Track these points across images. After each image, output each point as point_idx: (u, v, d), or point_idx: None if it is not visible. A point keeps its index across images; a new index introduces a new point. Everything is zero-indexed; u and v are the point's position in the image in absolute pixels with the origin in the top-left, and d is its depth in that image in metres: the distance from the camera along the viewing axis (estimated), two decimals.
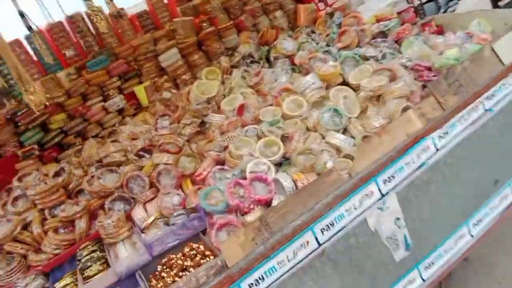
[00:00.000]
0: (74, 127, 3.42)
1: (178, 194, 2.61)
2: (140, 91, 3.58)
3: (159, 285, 2.14)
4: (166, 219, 2.54)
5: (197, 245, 2.26)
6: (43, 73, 3.51)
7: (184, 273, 2.19)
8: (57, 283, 2.36)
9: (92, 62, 3.46)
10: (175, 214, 2.50)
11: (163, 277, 2.21)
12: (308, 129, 2.67)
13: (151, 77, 3.66)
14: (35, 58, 3.51)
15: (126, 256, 2.30)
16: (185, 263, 2.22)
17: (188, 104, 3.22)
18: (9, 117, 3.27)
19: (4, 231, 2.56)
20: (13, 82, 3.22)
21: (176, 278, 2.17)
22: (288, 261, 1.86)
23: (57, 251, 2.55)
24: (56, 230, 2.62)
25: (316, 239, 1.92)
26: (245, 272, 1.79)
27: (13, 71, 2.54)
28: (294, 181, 2.26)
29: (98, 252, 2.41)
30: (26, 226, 2.69)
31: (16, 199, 2.80)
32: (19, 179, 2.92)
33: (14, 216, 2.66)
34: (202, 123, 3.09)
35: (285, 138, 2.59)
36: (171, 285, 2.03)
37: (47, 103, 2.82)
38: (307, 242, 1.90)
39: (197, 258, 2.18)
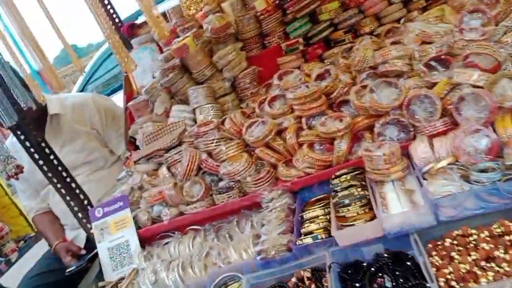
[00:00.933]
0: (347, 20, 2.78)
1: (488, 136, 1.69)
2: None
3: (445, 270, 1.42)
4: (463, 169, 1.71)
5: None
6: None
7: (489, 265, 1.40)
8: (305, 213, 1.95)
9: None
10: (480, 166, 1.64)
11: (451, 257, 1.48)
12: None
13: None
14: None
15: (400, 212, 1.64)
16: (495, 252, 1.41)
17: None
18: (278, 2, 2.88)
19: (257, 134, 2.26)
20: None
21: (476, 269, 1.40)
22: None
23: (309, 170, 2.12)
24: (311, 145, 2.16)
25: None
26: None
27: None
28: None
29: (358, 189, 1.83)
30: (280, 132, 2.34)
31: (273, 99, 2.47)
32: (279, 77, 2.55)
33: (269, 118, 2.32)
34: None
35: None
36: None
37: None
38: None
39: None
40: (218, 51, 2.91)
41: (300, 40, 2.82)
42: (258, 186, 2.18)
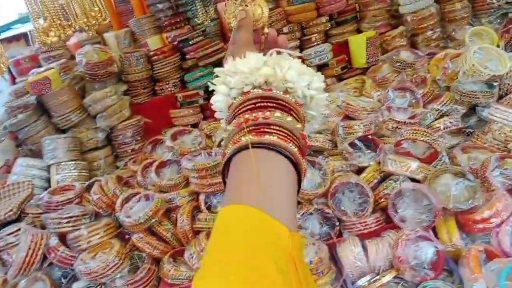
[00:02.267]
0: None
1: (435, 246, 1.40)
2: (356, 42, 2.39)
3: None
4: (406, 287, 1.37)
5: None
6: None
7: None
8: None
9: None
10: None
11: None
12: None
13: (377, 25, 2.44)
14: None
15: None
16: None
17: (450, 81, 1.93)
18: (177, 43, 2.40)
19: (138, 214, 1.67)
20: None
21: None
22: None
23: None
24: (208, 235, 1.64)
25: None
26: None
27: None
28: None
29: None
30: (169, 211, 1.78)
31: (163, 164, 1.91)
32: (173, 136, 2.01)
33: (155, 193, 1.75)
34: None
35: None
36: None
37: None
38: None
39: None
40: (93, 91, 2.27)
41: (201, 92, 2.36)
42: None
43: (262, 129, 0.57)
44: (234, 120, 0.61)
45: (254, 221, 0.48)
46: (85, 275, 1.54)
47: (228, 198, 0.54)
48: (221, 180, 1.79)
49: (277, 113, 0.59)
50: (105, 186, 1.86)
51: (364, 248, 1.50)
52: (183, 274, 1.58)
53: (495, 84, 1.83)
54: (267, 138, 0.56)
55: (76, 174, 2.10)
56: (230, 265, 0.44)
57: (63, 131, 2.25)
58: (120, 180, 1.96)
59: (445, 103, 1.85)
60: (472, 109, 1.88)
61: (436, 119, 1.83)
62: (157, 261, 1.69)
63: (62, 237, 1.71)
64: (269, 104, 0.61)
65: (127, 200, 1.80)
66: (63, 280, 1.72)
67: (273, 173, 0.54)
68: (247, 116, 0.59)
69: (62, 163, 2.08)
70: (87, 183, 2.02)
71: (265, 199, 0.50)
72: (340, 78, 2.45)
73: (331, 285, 1.43)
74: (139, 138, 2.35)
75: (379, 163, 1.71)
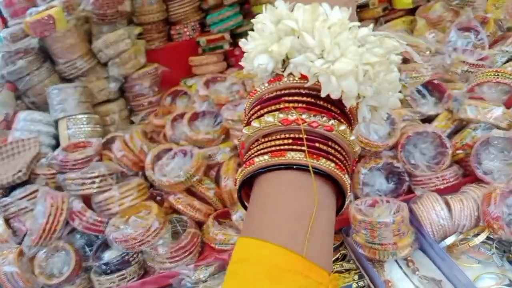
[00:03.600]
0: None
1: None
2: None
3: None
4: (498, 248, 1.22)
5: None
6: None
7: None
8: None
9: None
10: None
11: None
12: None
13: None
14: None
15: None
16: None
17: None
18: None
19: (176, 172, 1.46)
20: None
21: None
22: None
23: None
24: None
25: None
26: None
27: None
28: None
29: (355, 275, 1.19)
30: (209, 168, 1.57)
31: (195, 116, 1.68)
32: (206, 84, 1.76)
33: (195, 148, 1.54)
34: None
35: None
36: None
37: None
38: None
39: None
40: (102, 35, 1.99)
41: (227, 36, 2.09)
42: (175, 261, 1.37)
43: (317, 145, 0.41)
44: (279, 114, 0.42)
45: (290, 269, 0.37)
46: (121, 242, 1.34)
47: (253, 228, 0.41)
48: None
49: (343, 126, 0.42)
50: (130, 142, 1.63)
51: (446, 205, 1.33)
52: (233, 239, 1.39)
53: None
54: (324, 164, 0.40)
55: (89, 129, 1.85)
56: None
57: (69, 81, 1.97)
58: (145, 135, 1.73)
59: None
60: None
61: (506, 62, 1.64)
62: (199, 226, 1.50)
63: (85, 201, 1.50)
64: (332, 107, 0.43)
65: (158, 157, 1.58)
66: (87, 249, 1.52)
67: (319, 207, 0.40)
68: (304, 116, 0.41)
69: (73, 117, 1.83)
70: (103, 139, 1.79)
71: (306, 240, 0.38)
72: (377, 21, 2.22)
73: (411, 247, 1.27)
74: (156, 89, 2.09)
75: (449, 111, 1.52)
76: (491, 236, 1.25)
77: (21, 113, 1.87)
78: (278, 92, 0.44)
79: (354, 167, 0.46)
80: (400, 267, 1.26)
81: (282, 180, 0.41)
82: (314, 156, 0.40)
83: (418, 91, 1.60)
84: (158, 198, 1.58)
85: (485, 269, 1.20)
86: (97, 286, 1.37)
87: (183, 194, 1.48)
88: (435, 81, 1.61)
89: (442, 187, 1.39)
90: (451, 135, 1.48)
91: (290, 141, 0.41)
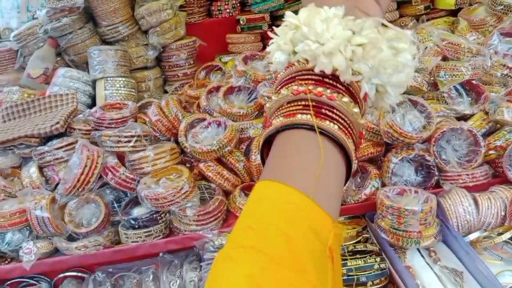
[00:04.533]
0: None
1: None
2: None
3: None
4: None
5: None
6: None
7: None
8: None
9: None
10: None
11: None
12: None
13: None
14: None
15: None
16: None
17: None
18: None
19: (209, 141, 1.50)
20: None
21: None
22: None
23: None
24: None
25: None
26: None
27: None
28: None
29: (377, 258, 1.22)
30: (240, 142, 1.60)
31: (230, 90, 1.71)
32: (244, 60, 1.79)
33: (229, 120, 1.57)
34: None
35: None
36: None
37: None
38: None
39: None
40: (146, 3, 2.03)
41: (267, 17, 2.12)
42: (201, 225, 1.41)
43: (323, 111, 0.48)
44: (294, 86, 0.50)
45: (296, 205, 0.43)
46: (152, 200, 1.38)
47: (270, 174, 0.47)
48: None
49: (346, 99, 0.49)
50: (165, 108, 1.67)
51: (474, 201, 1.35)
52: None
53: None
54: (328, 125, 0.47)
55: (125, 92, 1.89)
56: (263, 256, 0.39)
57: (110, 44, 2.02)
58: (180, 103, 1.76)
59: None
60: None
61: None
62: (225, 194, 1.53)
63: (119, 158, 1.54)
64: (338, 84, 0.49)
65: (191, 125, 1.62)
66: (115, 205, 1.57)
67: (327, 161, 0.46)
68: (311, 87, 0.49)
69: (111, 79, 1.87)
70: (139, 103, 1.83)
71: (315, 186, 0.44)
72: (419, 19, 2.23)
73: (435, 238, 1.29)
74: (192, 62, 2.13)
75: (485, 112, 1.53)
76: None
77: (60, 69, 1.93)
78: (293, 74, 0.51)
79: (361, 140, 0.51)
80: (422, 256, 1.29)
81: (295, 137, 0.48)
82: (321, 118, 0.47)
83: (456, 89, 1.61)
84: (188, 165, 1.62)
85: (506, 266, 1.22)
86: (123, 239, 1.42)
87: (213, 162, 1.52)
88: (474, 81, 1.61)
89: (471, 184, 1.41)
90: (484, 136, 1.49)
91: (301, 107, 0.48)
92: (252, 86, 1.69)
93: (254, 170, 1.53)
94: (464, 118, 1.56)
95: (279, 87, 0.53)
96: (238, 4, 2.24)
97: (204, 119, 1.62)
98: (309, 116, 0.47)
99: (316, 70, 0.49)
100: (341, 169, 0.49)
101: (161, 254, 1.45)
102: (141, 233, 1.40)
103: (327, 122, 0.47)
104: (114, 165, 1.48)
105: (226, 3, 2.21)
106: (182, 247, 1.45)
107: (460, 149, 1.47)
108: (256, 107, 1.64)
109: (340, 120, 0.48)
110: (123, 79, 1.89)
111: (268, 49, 0.55)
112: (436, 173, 1.45)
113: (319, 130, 0.47)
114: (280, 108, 0.50)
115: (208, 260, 1.36)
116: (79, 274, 1.48)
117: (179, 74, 2.10)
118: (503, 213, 1.31)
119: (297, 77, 0.51)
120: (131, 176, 1.49)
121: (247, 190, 1.55)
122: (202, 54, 2.20)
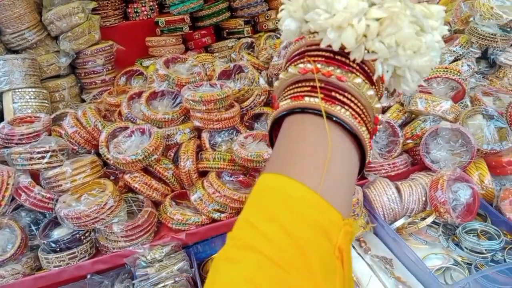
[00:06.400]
0: (250, 7, 2.17)
1: (471, 188, 1.36)
2: None
3: None
4: (443, 230, 1.31)
5: None
6: None
7: None
8: None
9: None
10: None
11: None
12: None
13: None
14: None
15: None
16: None
17: (461, 24, 1.87)
18: None
19: (133, 150, 1.42)
20: None
21: None
22: None
23: (216, 215, 1.40)
24: (218, 175, 1.46)
25: None
26: None
27: None
28: None
29: None
30: (167, 149, 1.54)
31: (153, 96, 1.64)
32: (166, 63, 1.72)
33: (154, 128, 1.50)
34: None
35: None
36: None
37: None
38: None
39: None
40: (54, 6, 1.88)
41: (187, 19, 2.06)
42: (131, 240, 1.33)
43: (333, 93, 0.43)
44: (300, 64, 0.45)
45: (301, 201, 0.39)
46: (73, 220, 1.28)
47: (274, 165, 0.43)
48: (231, 115, 1.57)
49: (358, 79, 0.43)
50: (83, 118, 1.56)
51: (396, 189, 1.41)
52: (192, 219, 1.38)
53: (509, 29, 1.80)
54: (339, 111, 0.42)
55: (36, 104, 1.74)
56: (266, 258, 0.36)
57: (16, 53, 1.85)
58: (99, 112, 1.66)
59: (462, 45, 1.79)
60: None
61: (453, 61, 1.77)
62: (155, 205, 1.46)
63: (33, 177, 1.42)
64: (351, 62, 0.44)
65: (112, 135, 1.53)
66: (33, 228, 1.43)
67: (336, 151, 0.42)
68: (319, 65, 0.43)
69: (19, 90, 1.71)
70: (53, 115, 1.70)
71: (323, 179, 0.40)
72: None
73: (364, 229, 1.33)
74: (110, 67, 2.02)
75: (400, 103, 1.62)
76: (437, 221, 1.34)
77: None
78: (302, 49, 0.46)
79: (377, 126, 0.47)
80: (353, 246, 1.32)
81: (301, 123, 0.43)
82: (330, 102, 0.42)
83: None
84: (112, 177, 1.53)
85: (432, 250, 1.29)
86: (45, 264, 1.30)
87: (139, 173, 1.44)
88: None
89: (392, 173, 1.47)
90: (401, 127, 1.56)
91: (309, 88, 0.43)
92: (176, 90, 1.63)
93: (184, 177, 1.48)
94: (382, 111, 1.63)
95: (288, 63, 0.48)
96: (156, 6, 2.17)
97: (126, 128, 1.53)
98: (318, 100, 0.42)
99: (322, 46, 0.43)
100: (353, 159, 0.44)
101: (88, 276, 1.35)
102: (64, 256, 1.29)
103: (338, 107, 0.42)
104: (28, 185, 1.36)
105: (143, 5, 2.12)
106: (112, 266, 1.36)
107: (381, 140, 1.54)
108: (181, 111, 1.58)
109: (351, 104, 0.43)
110: (33, 89, 1.74)
111: (278, 15, 0.48)
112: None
113: (328, 115, 0.42)
114: (288, 88, 0.46)
115: (140, 277, 1.29)
116: None
117: (96, 81, 1.98)
118: (424, 199, 1.38)
119: (306, 53, 0.45)
120: (48, 195, 1.37)
121: (178, 198, 1.50)
122: (121, 59, 2.10)
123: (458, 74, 1.54)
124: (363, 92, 0.43)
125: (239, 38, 2.16)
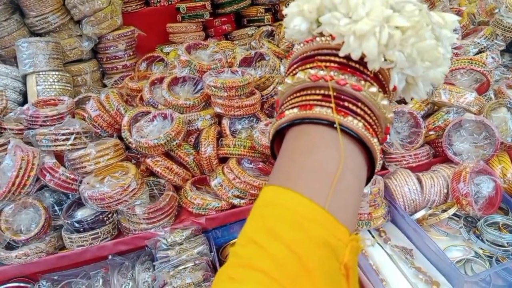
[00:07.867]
0: None
1: (494, 181, 1.34)
2: None
3: None
4: (465, 222, 1.30)
5: None
6: None
7: None
8: None
9: None
10: None
11: None
12: None
13: None
14: None
15: None
16: None
17: (486, 15, 1.83)
18: None
19: (155, 134, 1.43)
20: None
21: None
22: None
23: (236, 201, 1.41)
24: (238, 162, 1.46)
25: None
26: None
27: None
28: None
29: None
30: (188, 135, 1.55)
31: (175, 82, 1.64)
32: (188, 49, 1.72)
33: (176, 113, 1.51)
34: None
35: None
36: None
37: None
38: None
39: None
40: None
41: (208, 5, 2.06)
42: (152, 223, 1.35)
43: (346, 104, 0.40)
44: (311, 70, 0.42)
45: (307, 217, 0.37)
46: (97, 201, 1.29)
47: (280, 178, 0.41)
48: (251, 102, 1.56)
49: (374, 88, 0.41)
50: (106, 102, 1.58)
51: (418, 180, 1.40)
52: (212, 204, 1.39)
53: None
54: (351, 122, 0.40)
55: (59, 87, 1.76)
56: (270, 279, 0.34)
57: (41, 35, 1.87)
58: (121, 97, 1.67)
59: (486, 37, 1.76)
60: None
61: (477, 53, 1.74)
62: (175, 189, 1.48)
63: (57, 158, 1.44)
64: (365, 70, 0.41)
65: (134, 119, 1.54)
66: (56, 208, 1.46)
67: (346, 166, 0.40)
68: (333, 73, 0.41)
69: (43, 73, 1.73)
70: (76, 98, 1.71)
71: (330, 195, 0.38)
72: None
73: (384, 219, 1.33)
74: (131, 53, 2.03)
75: None
76: (458, 213, 1.33)
77: None
78: (312, 52, 0.43)
79: (387, 136, 0.45)
80: (373, 236, 1.32)
81: (311, 135, 0.41)
82: (342, 113, 0.40)
83: None
84: (133, 161, 1.54)
85: (452, 241, 1.28)
86: (68, 243, 1.33)
87: (161, 157, 1.45)
88: None
89: (414, 165, 1.46)
90: (423, 118, 1.55)
91: (320, 97, 0.41)
92: (197, 77, 1.63)
93: (205, 163, 1.48)
94: (404, 101, 1.62)
95: (294, 66, 0.44)
96: None
97: (148, 112, 1.54)
98: (329, 111, 0.40)
99: (341, 54, 0.41)
100: (362, 172, 0.42)
101: (110, 257, 1.37)
102: (87, 236, 1.31)
103: (350, 118, 0.40)
104: (52, 166, 1.38)
105: None
106: (133, 248, 1.39)
107: (402, 131, 1.52)
108: (203, 97, 1.59)
109: (365, 116, 0.41)
110: (57, 73, 1.75)
111: (285, 11, 0.45)
112: (381, 156, 1.49)
113: (340, 127, 0.39)
114: (295, 95, 0.43)
115: (161, 259, 1.31)
116: (21, 284, 1.36)
117: (118, 66, 1.99)
118: (445, 191, 1.37)
119: (317, 57, 0.43)
120: (72, 176, 1.39)
121: (198, 184, 1.51)
122: (142, 44, 2.10)
123: (483, 65, 1.51)
124: (378, 102, 0.41)
125: (259, 26, 2.14)
